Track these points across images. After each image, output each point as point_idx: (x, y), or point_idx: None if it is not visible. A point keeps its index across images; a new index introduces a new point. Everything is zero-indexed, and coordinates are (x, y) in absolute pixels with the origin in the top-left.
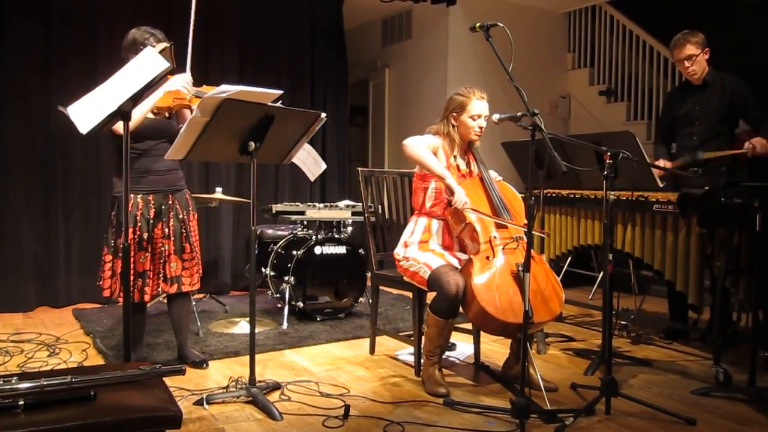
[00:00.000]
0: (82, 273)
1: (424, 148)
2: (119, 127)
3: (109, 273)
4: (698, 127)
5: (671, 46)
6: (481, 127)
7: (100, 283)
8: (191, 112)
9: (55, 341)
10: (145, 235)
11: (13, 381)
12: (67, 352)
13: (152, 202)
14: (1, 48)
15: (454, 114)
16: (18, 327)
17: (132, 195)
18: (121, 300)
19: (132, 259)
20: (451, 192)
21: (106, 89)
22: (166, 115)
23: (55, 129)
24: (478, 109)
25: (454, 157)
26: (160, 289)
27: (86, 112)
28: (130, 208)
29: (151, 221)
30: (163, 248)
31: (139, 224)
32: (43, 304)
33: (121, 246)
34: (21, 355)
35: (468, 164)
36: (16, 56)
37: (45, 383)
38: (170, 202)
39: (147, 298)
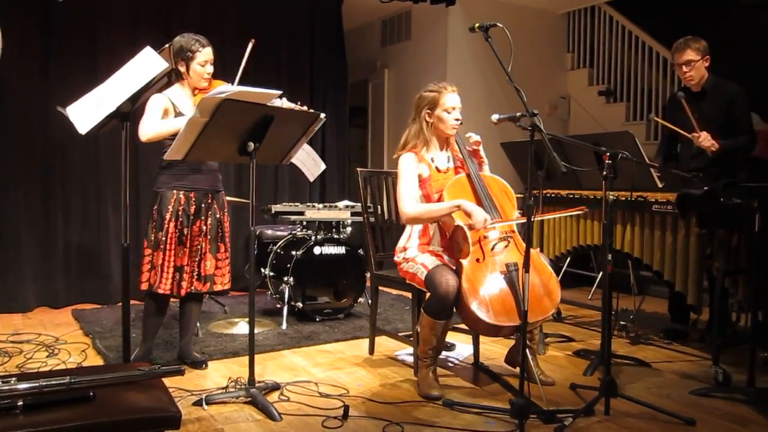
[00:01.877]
0: (82, 274)
1: (417, 206)
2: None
3: (148, 266)
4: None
5: (673, 49)
6: (457, 119)
7: (140, 277)
8: None
9: (54, 342)
10: (185, 231)
11: (12, 381)
12: (66, 353)
13: (193, 199)
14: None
15: (428, 111)
16: (17, 327)
17: (175, 191)
18: (160, 291)
19: (171, 253)
20: (468, 215)
21: (105, 90)
22: None
23: (54, 130)
24: (451, 101)
25: (432, 158)
26: (193, 287)
27: (85, 113)
28: (171, 203)
29: (191, 217)
30: (199, 246)
31: (180, 219)
32: (42, 304)
33: (162, 239)
34: (20, 356)
35: (450, 159)
36: (15, 57)
37: (44, 384)
38: (209, 201)
39: (183, 292)
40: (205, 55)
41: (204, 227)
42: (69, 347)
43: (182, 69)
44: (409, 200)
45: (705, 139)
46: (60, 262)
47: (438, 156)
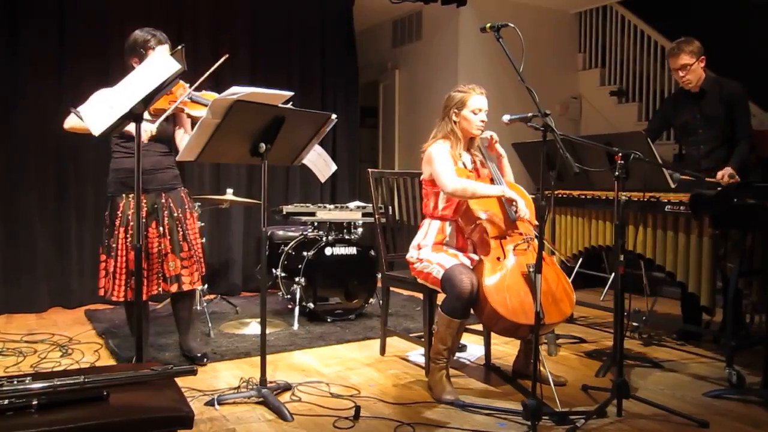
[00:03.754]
0: (94, 274)
1: (461, 180)
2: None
3: (103, 272)
4: (703, 135)
5: (666, 54)
6: (483, 121)
7: (98, 282)
8: (186, 115)
9: (67, 342)
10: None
11: (27, 381)
12: (79, 353)
13: (144, 201)
14: (15, 50)
15: (455, 110)
16: (31, 327)
17: (123, 195)
18: (114, 298)
19: (125, 259)
20: (510, 202)
21: (118, 91)
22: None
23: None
24: (478, 103)
25: (459, 154)
26: (160, 289)
27: (99, 114)
28: (121, 209)
29: (144, 221)
30: (159, 247)
31: (131, 224)
32: (55, 304)
33: (113, 245)
34: (34, 356)
35: (473, 161)
36: (29, 58)
37: (58, 383)
38: (163, 200)
39: (144, 296)
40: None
41: (161, 228)
42: (82, 347)
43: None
44: (450, 174)
45: (728, 177)
46: (73, 262)
47: (464, 155)
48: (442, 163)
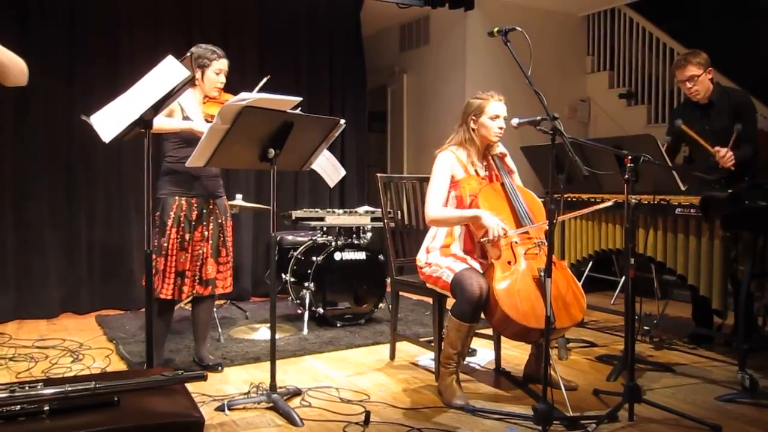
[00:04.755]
0: (105, 280)
1: (439, 210)
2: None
3: (153, 270)
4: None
5: (673, 66)
6: (501, 128)
7: (142, 281)
8: None
9: (78, 347)
10: (187, 236)
11: (39, 387)
12: (90, 358)
13: (195, 205)
14: (26, 55)
15: (473, 117)
16: (42, 333)
17: (177, 197)
18: (162, 296)
19: (173, 258)
20: (481, 226)
21: (128, 98)
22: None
23: (78, 137)
24: (496, 109)
25: (472, 162)
26: (195, 291)
27: (109, 121)
28: (173, 210)
29: (193, 223)
30: (201, 251)
31: (182, 225)
32: (66, 310)
33: (164, 245)
34: (45, 361)
35: (487, 168)
36: (39, 63)
37: (69, 389)
38: (211, 206)
39: (183, 296)
40: (220, 64)
41: (206, 232)
42: (93, 352)
43: (197, 75)
44: (434, 202)
45: (728, 159)
46: (83, 268)
47: (477, 162)
48: (435, 185)
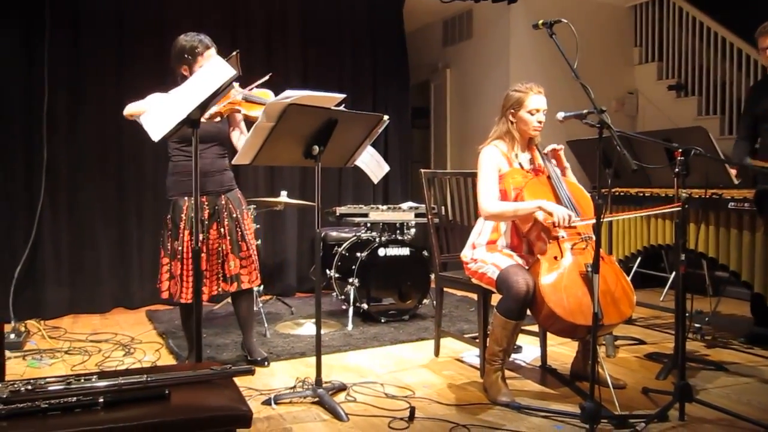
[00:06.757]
0: (155, 275)
1: (499, 204)
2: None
3: (167, 275)
4: None
5: (757, 33)
6: (540, 122)
7: (159, 285)
8: (244, 116)
9: (130, 341)
10: (201, 237)
11: (93, 379)
12: (141, 352)
13: (205, 203)
14: (77, 59)
15: (512, 111)
16: (95, 327)
17: (185, 198)
18: (182, 301)
19: (190, 262)
20: (549, 213)
21: (175, 98)
22: (218, 119)
23: (126, 136)
24: (535, 103)
25: (516, 155)
26: (220, 289)
27: (158, 120)
28: (184, 211)
29: (206, 222)
30: (220, 248)
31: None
32: (118, 305)
33: (179, 248)
34: (98, 354)
35: (531, 161)
36: (90, 65)
37: (122, 382)
38: (223, 202)
39: (205, 297)
40: (207, 58)
41: (222, 229)
42: (144, 346)
43: (185, 74)
44: (489, 197)
45: None
46: (134, 264)
47: (521, 155)
48: (485, 180)
